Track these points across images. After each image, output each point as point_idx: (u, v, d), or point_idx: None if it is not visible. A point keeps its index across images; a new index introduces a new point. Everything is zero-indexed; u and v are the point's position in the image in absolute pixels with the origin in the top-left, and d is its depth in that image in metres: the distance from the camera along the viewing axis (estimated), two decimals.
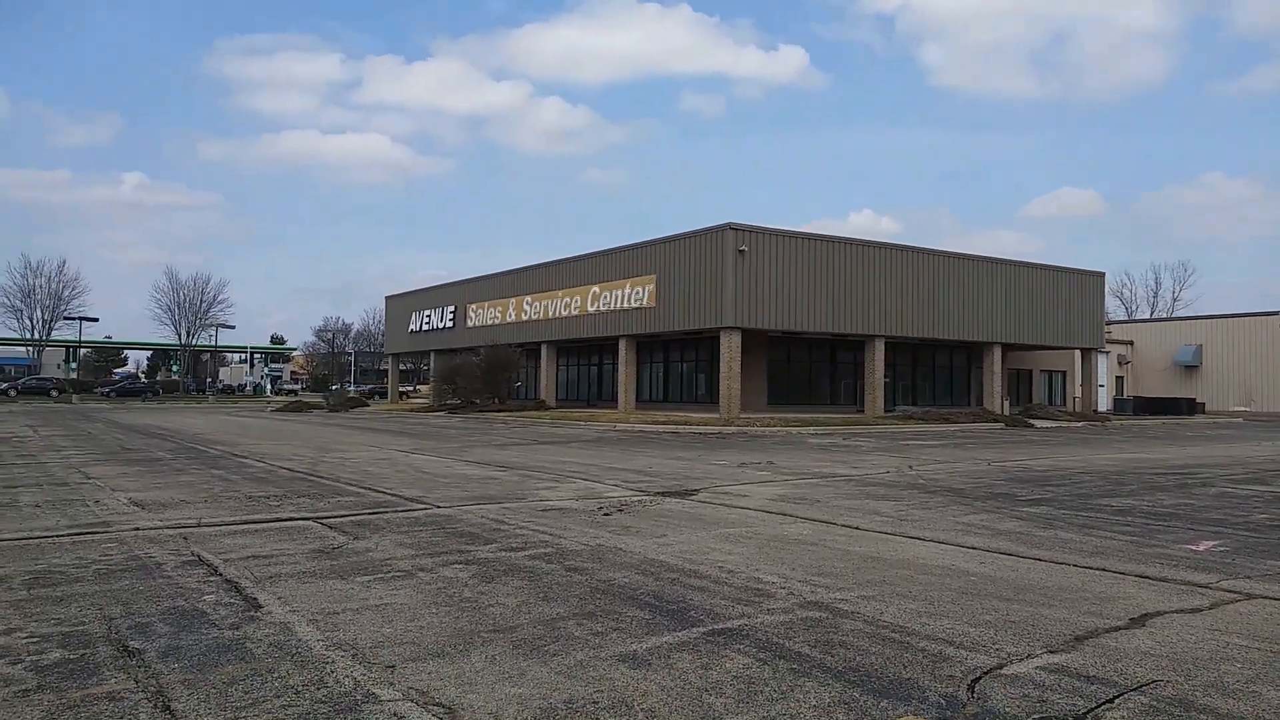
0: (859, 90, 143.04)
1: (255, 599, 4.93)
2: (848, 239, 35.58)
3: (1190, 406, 46.83)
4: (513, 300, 43.04)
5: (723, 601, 4.95)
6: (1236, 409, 52.46)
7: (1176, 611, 4.82)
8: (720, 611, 4.73)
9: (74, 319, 71.59)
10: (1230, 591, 5.32)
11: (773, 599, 5.03)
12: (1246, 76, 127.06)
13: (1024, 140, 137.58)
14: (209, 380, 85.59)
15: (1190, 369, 57.10)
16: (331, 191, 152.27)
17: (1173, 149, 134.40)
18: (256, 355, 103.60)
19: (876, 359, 34.77)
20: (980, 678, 3.69)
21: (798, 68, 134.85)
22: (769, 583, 5.45)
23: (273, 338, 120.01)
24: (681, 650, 4.03)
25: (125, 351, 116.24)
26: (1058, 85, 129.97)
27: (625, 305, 35.31)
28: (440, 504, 9.07)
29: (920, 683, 3.63)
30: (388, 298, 58.60)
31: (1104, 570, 5.94)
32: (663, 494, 10.13)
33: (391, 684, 3.57)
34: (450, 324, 48.49)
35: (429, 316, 50.69)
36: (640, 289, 34.55)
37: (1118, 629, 4.46)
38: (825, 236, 34.58)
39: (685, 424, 27.25)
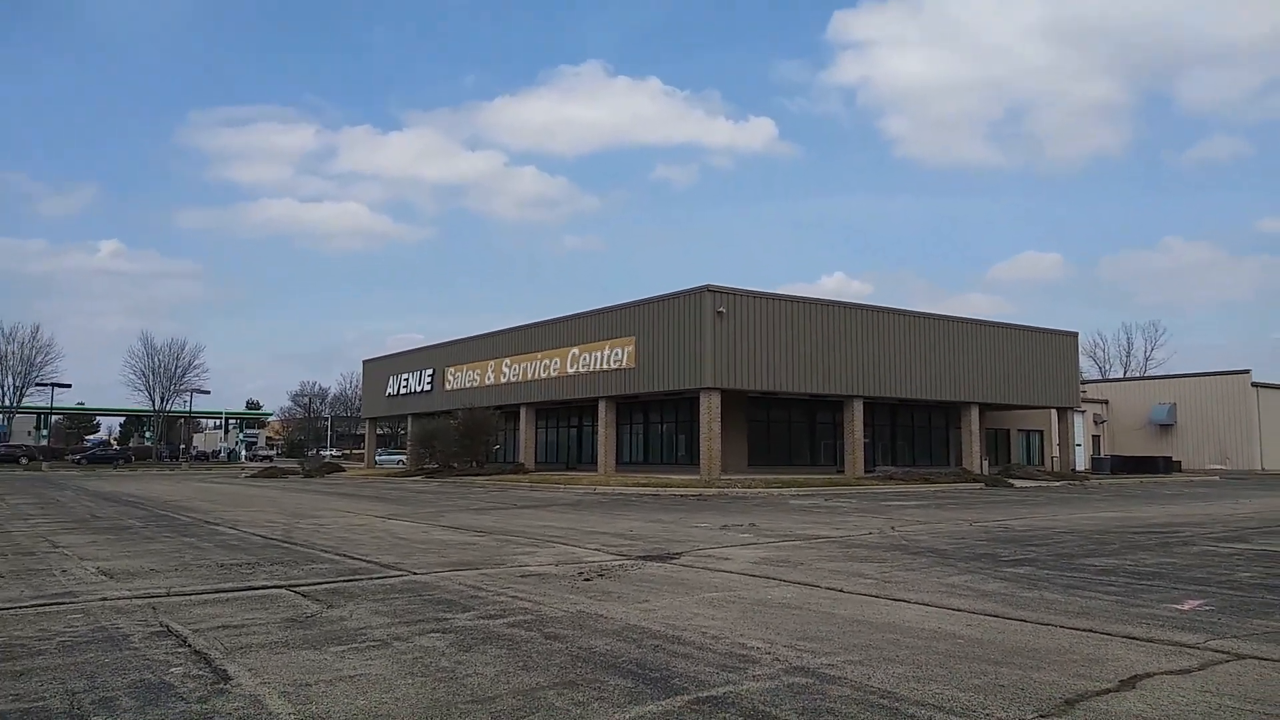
0: (827, 159, 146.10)
1: (225, 670, 4.77)
2: (825, 300, 35.95)
3: (1167, 465, 47.11)
4: (491, 363, 42.96)
5: (707, 668, 4.84)
6: (1212, 467, 52.83)
7: (1166, 673, 4.76)
8: (705, 679, 4.62)
9: (45, 385, 70.58)
10: (1218, 651, 5.26)
11: (758, 665, 4.92)
12: (1196, 146, 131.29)
13: (988, 205, 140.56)
14: (182, 447, 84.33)
15: (1165, 427, 57.62)
16: (309, 259, 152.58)
17: (1131, 214, 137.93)
18: (231, 421, 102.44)
19: (856, 419, 34.85)
20: None
21: (767, 138, 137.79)
22: (754, 648, 5.34)
23: (248, 403, 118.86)
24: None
25: (98, 418, 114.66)
26: (1018, 154, 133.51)
27: (605, 367, 35.31)
28: (417, 570, 8.89)
29: None
30: (365, 362, 58.39)
31: (1091, 631, 5.88)
32: (644, 558, 9.99)
33: None
34: (428, 387, 48.27)
35: (407, 380, 50.46)
36: (619, 350, 34.60)
37: (1108, 691, 4.39)
38: (803, 298, 34.89)
39: (665, 486, 27.06)
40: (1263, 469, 53.10)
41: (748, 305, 32.03)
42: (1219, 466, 52.93)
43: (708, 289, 31.05)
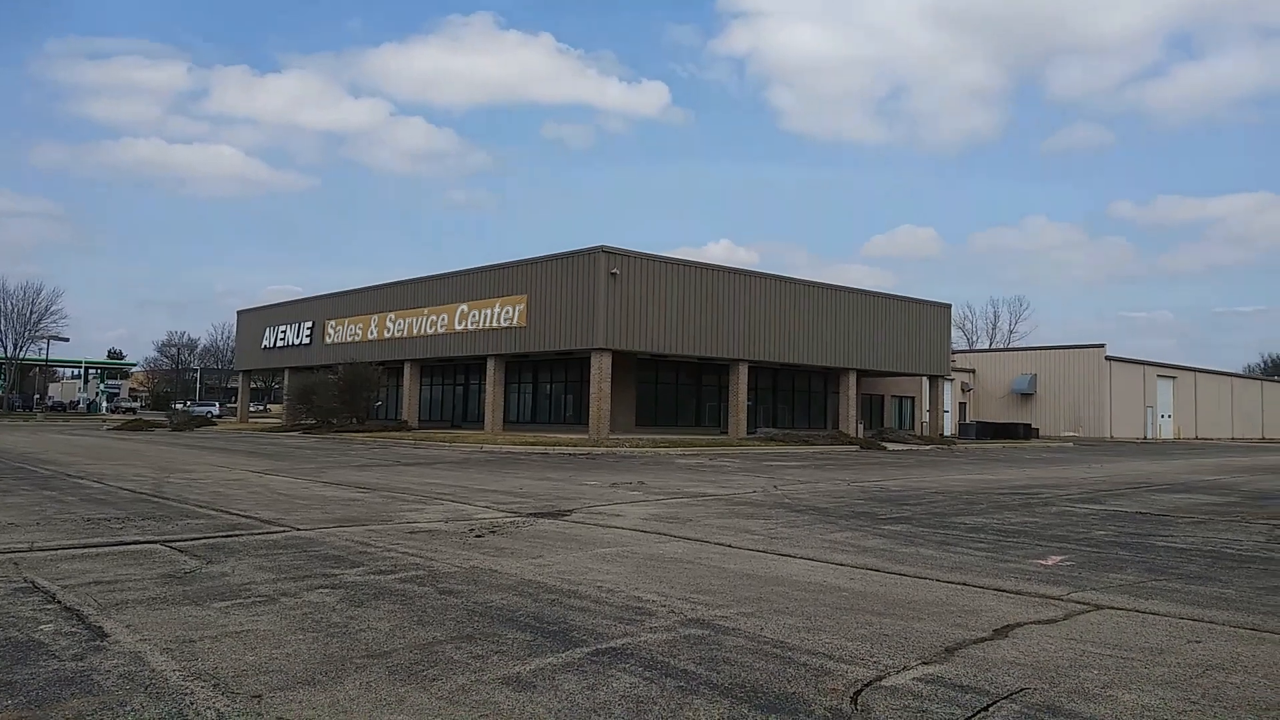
0: (717, 127, 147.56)
1: (101, 628, 4.54)
2: (715, 266, 36.39)
3: (1026, 431, 49.95)
4: (375, 317, 41.86)
5: (604, 621, 4.89)
6: (1066, 434, 56.27)
7: (1034, 623, 5.06)
8: (603, 631, 4.66)
9: None
10: (1080, 603, 5.63)
11: (654, 617, 5.00)
12: (1062, 132, 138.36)
13: (870, 179, 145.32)
14: (37, 396, 79.32)
15: (1026, 396, 61.00)
16: (178, 202, 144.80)
17: (1000, 194, 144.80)
18: (92, 371, 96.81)
19: (740, 382, 35.57)
20: (862, 690, 3.76)
21: (660, 103, 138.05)
22: (649, 601, 5.42)
23: (110, 352, 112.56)
24: (566, 671, 3.95)
25: None
26: (899, 131, 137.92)
27: (495, 325, 34.90)
28: (300, 526, 8.64)
29: (805, 696, 3.66)
30: (240, 312, 56.03)
31: (965, 585, 6.20)
32: (536, 515, 9.99)
33: (259, 715, 3.34)
34: (307, 340, 46.71)
35: (284, 332, 48.68)
36: (511, 308, 34.23)
37: (983, 640, 4.65)
38: (694, 262, 35.20)
39: (554, 445, 27.06)
40: (1112, 437, 56.92)
41: (640, 268, 32.11)
42: (1073, 434, 56.44)
43: (602, 250, 30.97)
